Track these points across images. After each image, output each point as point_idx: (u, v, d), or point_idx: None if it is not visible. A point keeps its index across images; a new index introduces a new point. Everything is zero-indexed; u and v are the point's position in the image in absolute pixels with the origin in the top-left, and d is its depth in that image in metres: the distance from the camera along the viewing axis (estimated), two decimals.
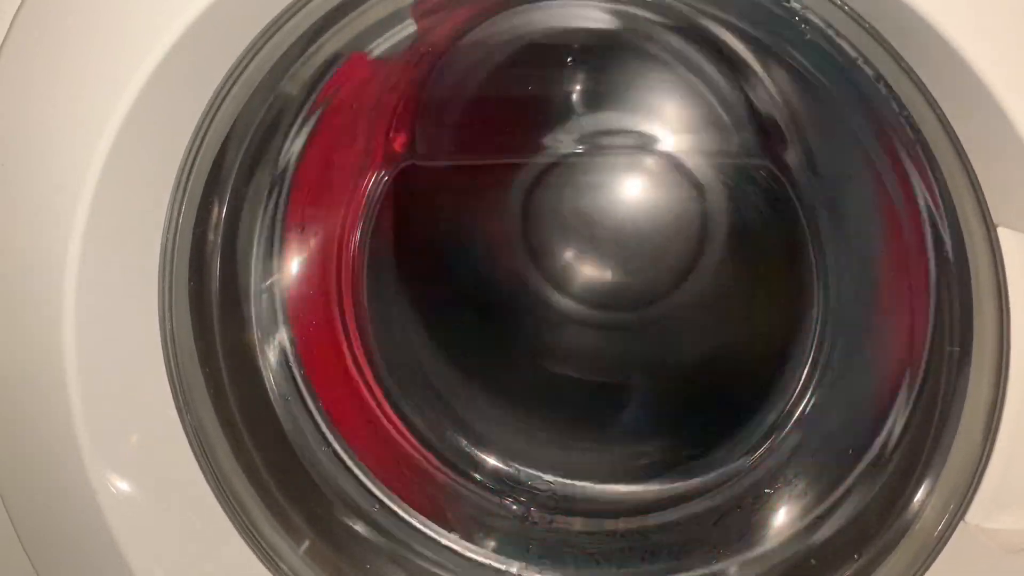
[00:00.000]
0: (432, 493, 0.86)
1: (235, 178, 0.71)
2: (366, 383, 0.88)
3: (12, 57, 0.58)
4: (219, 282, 0.72)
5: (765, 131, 0.81)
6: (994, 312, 0.60)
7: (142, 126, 0.59)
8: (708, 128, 0.86)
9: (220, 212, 0.71)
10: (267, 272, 0.80)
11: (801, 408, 0.84)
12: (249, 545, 0.68)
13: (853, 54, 0.61)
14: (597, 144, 0.89)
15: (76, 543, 0.64)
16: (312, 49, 0.69)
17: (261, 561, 0.69)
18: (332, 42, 0.70)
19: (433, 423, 0.90)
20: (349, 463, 0.81)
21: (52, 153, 0.59)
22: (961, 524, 0.62)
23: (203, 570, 0.67)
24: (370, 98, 0.82)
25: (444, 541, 0.82)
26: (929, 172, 0.63)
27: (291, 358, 0.81)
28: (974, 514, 0.62)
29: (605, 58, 0.86)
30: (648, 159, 0.89)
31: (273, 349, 0.80)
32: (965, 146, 0.58)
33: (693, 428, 0.92)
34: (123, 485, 0.63)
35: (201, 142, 0.64)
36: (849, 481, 0.75)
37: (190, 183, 0.65)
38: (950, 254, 0.64)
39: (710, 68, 0.80)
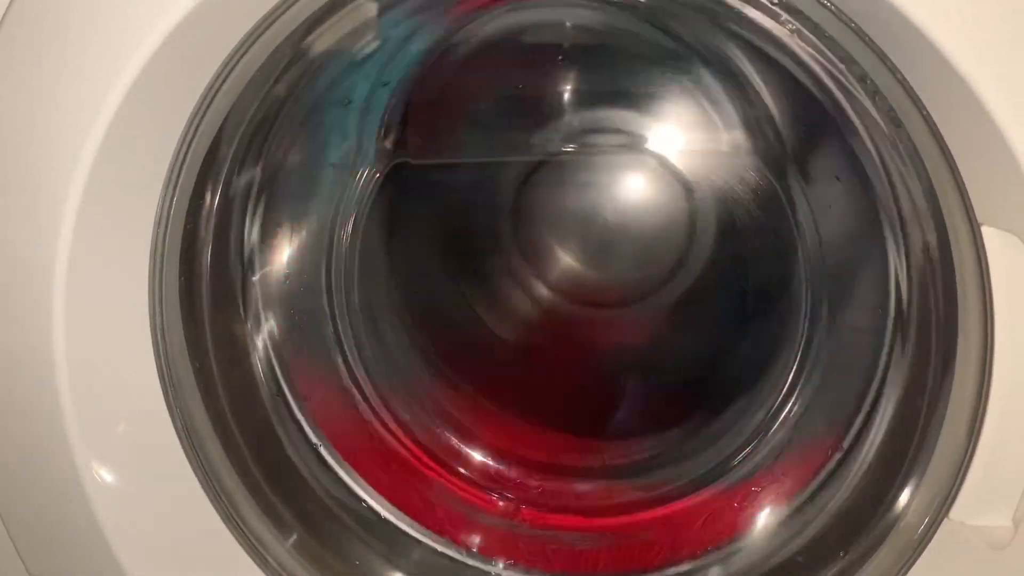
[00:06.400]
0: (420, 489, 0.86)
1: (226, 172, 0.72)
2: (354, 378, 0.88)
3: (4, 49, 0.58)
4: (209, 275, 0.72)
5: (755, 130, 0.82)
6: (978, 310, 0.60)
7: (134, 119, 0.59)
8: (698, 127, 0.86)
9: (211, 206, 0.71)
10: (257, 266, 0.80)
11: (789, 407, 0.84)
12: (236, 538, 0.68)
13: (840, 53, 0.62)
14: (588, 143, 0.89)
15: (63, 533, 0.64)
16: (304, 44, 0.69)
17: (248, 554, 0.69)
18: (324, 37, 0.70)
19: (422, 419, 0.90)
20: (337, 458, 0.81)
21: (43, 146, 0.59)
22: (946, 521, 0.63)
23: (190, 562, 0.67)
24: (362, 95, 0.82)
25: (432, 538, 0.82)
26: (915, 171, 0.63)
27: (280, 352, 0.81)
28: (958, 511, 0.62)
29: (596, 57, 0.87)
30: (638, 158, 0.89)
31: (263, 342, 0.80)
32: (950, 145, 0.59)
33: (681, 426, 0.92)
34: (111, 476, 0.63)
35: (193, 136, 0.64)
36: (835, 479, 0.75)
37: (182, 177, 0.65)
38: (935, 253, 0.64)
39: (700, 67, 0.80)
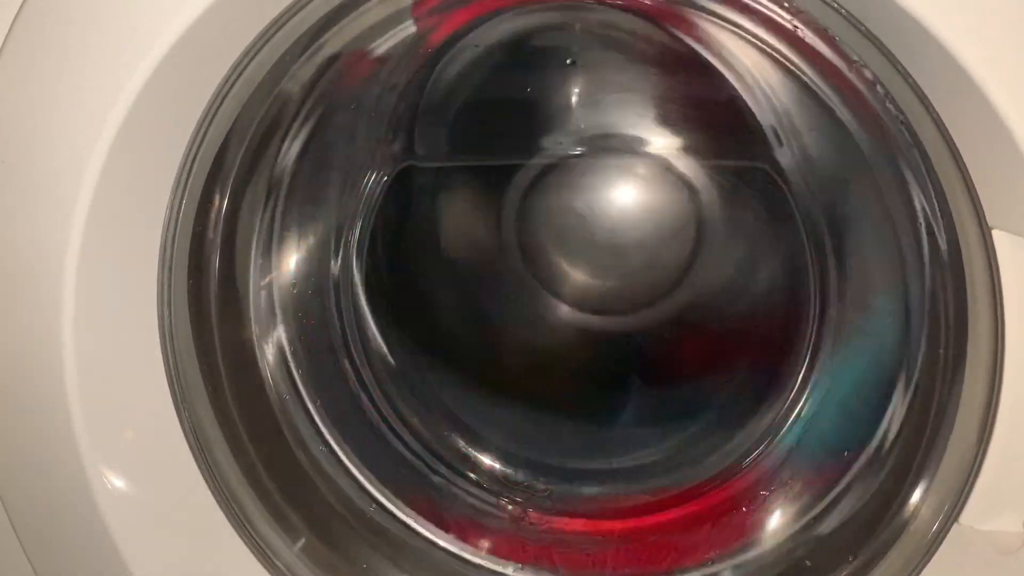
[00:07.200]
0: (428, 493, 0.86)
1: (235, 176, 0.72)
2: (362, 382, 0.88)
3: (14, 53, 0.59)
4: (218, 279, 0.73)
5: (762, 133, 0.82)
6: (989, 314, 0.60)
7: (143, 123, 0.59)
8: (705, 130, 0.86)
9: (220, 210, 0.72)
10: (266, 270, 0.80)
11: (797, 410, 0.84)
12: (245, 542, 0.68)
13: (850, 57, 0.62)
14: (595, 146, 0.89)
15: (72, 538, 0.64)
16: (313, 48, 0.70)
17: (257, 558, 0.69)
18: (332, 42, 0.70)
19: (430, 423, 0.90)
20: (345, 462, 0.81)
21: (53, 150, 0.59)
22: (955, 525, 0.63)
23: (198, 566, 0.67)
24: (370, 98, 0.82)
25: (440, 541, 0.82)
26: (925, 175, 0.63)
27: (288, 356, 0.81)
28: (968, 515, 0.62)
29: (604, 60, 0.87)
30: (645, 161, 0.89)
31: (271, 347, 0.81)
32: (961, 149, 0.58)
33: (690, 430, 0.92)
34: (120, 481, 0.63)
35: (202, 140, 0.65)
36: (845, 483, 0.75)
37: (190, 181, 0.65)
38: (945, 256, 0.64)
39: (707, 70, 0.80)
